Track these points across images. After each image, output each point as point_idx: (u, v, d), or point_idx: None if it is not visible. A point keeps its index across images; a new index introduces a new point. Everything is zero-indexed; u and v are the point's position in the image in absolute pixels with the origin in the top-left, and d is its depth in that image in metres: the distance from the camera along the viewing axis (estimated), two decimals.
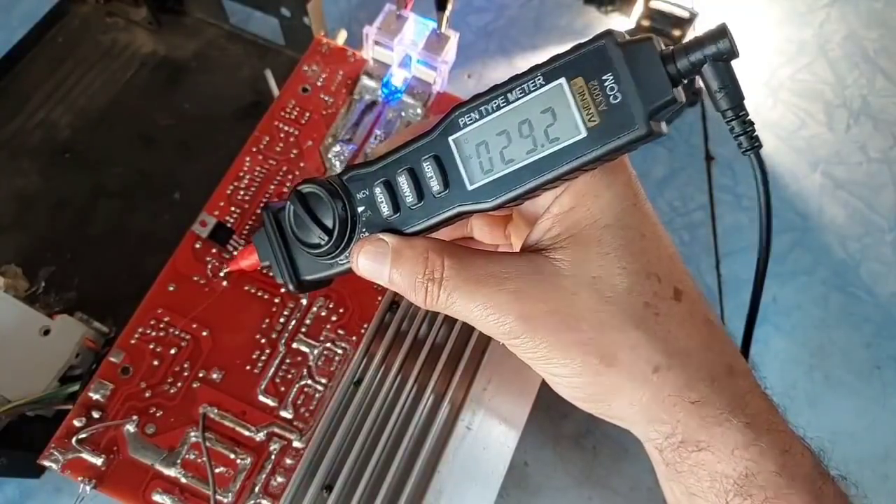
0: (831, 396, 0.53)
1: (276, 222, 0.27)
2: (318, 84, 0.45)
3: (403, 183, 0.23)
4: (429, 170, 0.23)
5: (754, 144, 0.21)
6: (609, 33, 0.20)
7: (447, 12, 0.43)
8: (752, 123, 0.21)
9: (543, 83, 0.21)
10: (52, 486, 0.45)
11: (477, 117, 0.22)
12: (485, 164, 0.22)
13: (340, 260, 0.25)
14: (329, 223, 0.24)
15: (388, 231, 0.24)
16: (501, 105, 0.21)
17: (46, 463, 0.34)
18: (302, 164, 0.42)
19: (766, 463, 0.21)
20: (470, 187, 0.22)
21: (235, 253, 0.39)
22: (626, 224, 0.22)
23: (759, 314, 0.26)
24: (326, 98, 0.44)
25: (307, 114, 0.44)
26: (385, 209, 0.24)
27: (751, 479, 0.21)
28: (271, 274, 0.27)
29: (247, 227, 0.40)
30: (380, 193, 0.24)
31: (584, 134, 0.20)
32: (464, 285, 0.22)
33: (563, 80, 0.20)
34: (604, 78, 0.20)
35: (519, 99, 0.21)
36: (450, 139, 0.22)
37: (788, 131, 0.63)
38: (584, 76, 0.20)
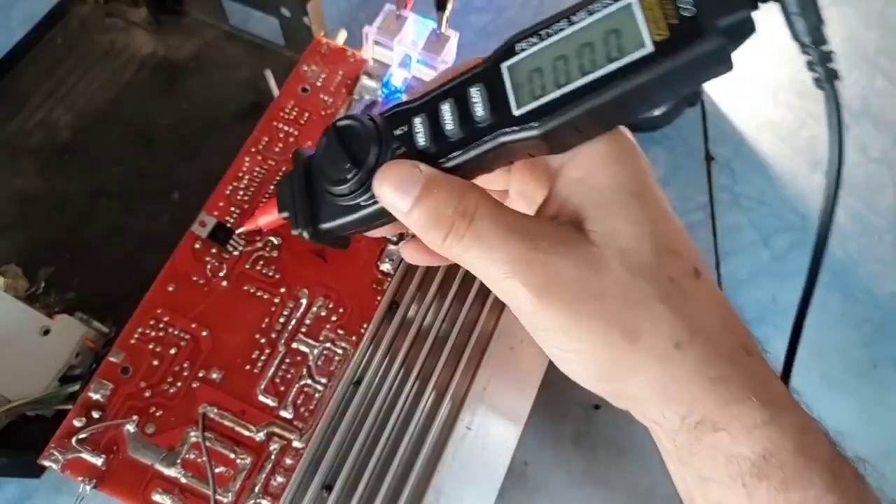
0: (829, 396, 0.53)
1: (304, 167, 0.25)
2: (318, 84, 0.45)
3: (446, 111, 0.21)
4: (475, 96, 0.21)
5: (831, 77, 0.20)
6: None
7: (447, 12, 0.43)
8: (830, 52, 0.20)
9: (611, 2, 0.19)
10: (52, 485, 0.45)
11: (535, 41, 0.20)
12: (536, 89, 0.20)
13: (363, 199, 0.23)
14: (360, 157, 0.22)
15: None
16: (562, 28, 0.20)
17: (46, 463, 0.34)
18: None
19: (785, 442, 0.20)
20: (517, 112, 0.20)
21: (236, 252, 0.39)
22: (652, 196, 0.21)
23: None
24: (326, 98, 0.45)
25: (307, 114, 0.44)
26: (421, 139, 0.22)
27: (769, 460, 0.20)
28: (292, 228, 0.25)
29: None
30: (419, 123, 0.22)
31: (650, 48, 0.18)
32: (497, 232, 0.20)
33: None
34: None
35: (583, 20, 0.19)
36: (502, 66, 0.21)
37: (788, 131, 0.63)
38: None
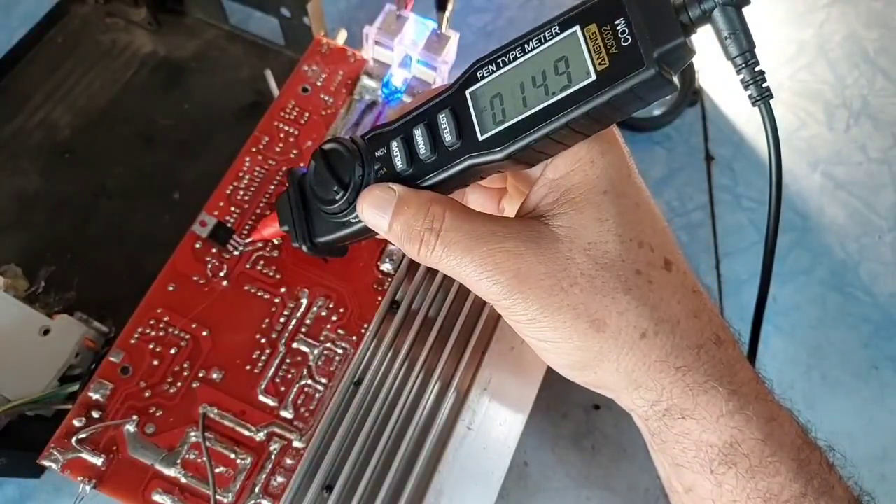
0: (829, 396, 0.53)
1: (298, 185, 0.27)
2: (318, 84, 0.45)
3: (419, 136, 0.23)
4: (444, 121, 0.23)
5: (764, 94, 0.21)
6: None
7: (447, 12, 0.43)
8: (762, 73, 0.21)
9: (559, 32, 0.21)
10: (52, 486, 0.45)
11: (494, 69, 0.22)
12: (497, 115, 0.22)
13: (353, 218, 0.25)
14: (346, 179, 0.25)
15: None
16: (518, 56, 0.21)
17: (46, 463, 0.34)
18: (302, 165, 0.42)
19: (752, 431, 0.21)
20: (481, 137, 0.22)
21: (236, 252, 0.39)
22: (622, 192, 0.22)
23: None
24: (326, 98, 0.45)
25: (307, 114, 0.44)
26: (399, 162, 0.24)
27: (735, 448, 0.21)
28: (293, 241, 0.27)
29: (247, 226, 0.40)
30: (396, 147, 0.24)
31: (593, 77, 0.20)
32: (463, 240, 0.22)
33: (577, 28, 0.20)
34: (616, 23, 0.20)
35: (535, 49, 0.21)
36: (467, 92, 0.22)
37: (788, 131, 0.63)
38: (598, 22, 0.20)
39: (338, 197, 0.25)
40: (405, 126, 0.24)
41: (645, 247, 0.22)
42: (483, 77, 0.22)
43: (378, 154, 0.24)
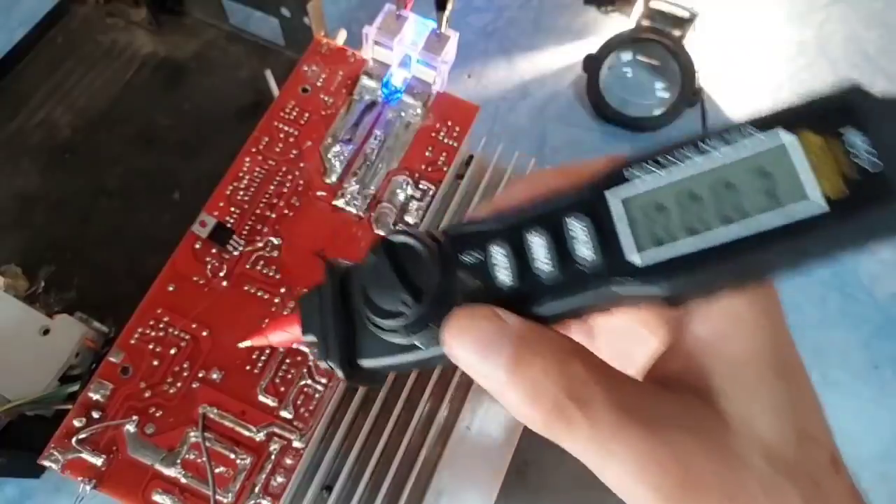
0: (829, 396, 0.53)
1: (340, 283, 0.20)
2: (318, 84, 0.45)
3: (537, 244, 0.17)
4: (577, 230, 0.17)
5: None
6: (856, 87, 0.15)
7: (447, 12, 0.43)
8: None
9: (757, 134, 0.15)
10: (52, 485, 0.45)
11: (653, 169, 0.16)
12: (659, 233, 0.16)
13: (421, 340, 0.18)
14: (420, 287, 0.18)
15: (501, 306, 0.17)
16: (691, 157, 0.16)
17: (46, 463, 0.34)
18: (302, 165, 0.42)
19: None
20: (636, 260, 0.16)
21: (236, 253, 0.39)
22: (791, 369, 0.18)
23: None
24: (326, 98, 0.44)
25: (307, 114, 0.44)
26: (505, 277, 0.17)
27: None
28: (315, 355, 0.21)
29: (246, 226, 0.40)
30: (500, 255, 0.17)
31: (821, 206, 0.14)
32: (615, 422, 0.16)
33: (787, 133, 0.15)
34: (851, 136, 0.15)
35: (719, 152, 0.16)
36: (610, 195, 0.16)
37: None
38: (819, 130, 0.15)
39: (406, 311, 0.18)
40: (512, 227, 0.18)
41: (814, 442, 0.17)
42: (637, 177, 0.16)
43: (467, 259, 0.18)
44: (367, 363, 0.20)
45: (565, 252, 0.17)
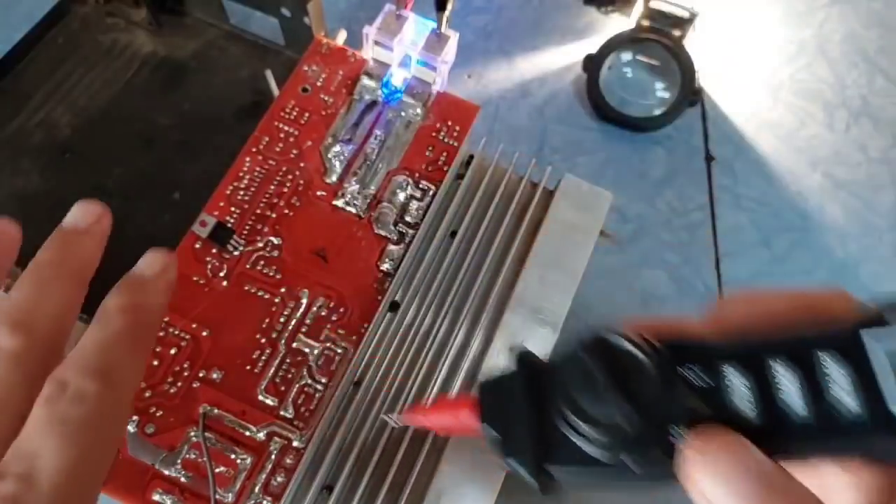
0: None
1: (530, 375, 0.18)
2: (318, 84, 0.45)
3: (786, 380, 0.15)
4: (834, 373, 0.15)
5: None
6: None
7: (447, 12, 0.43)
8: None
9: None
10: None
11: None
12: None
13: (635, 459, 0.16)
14: (643, 402, 0.16)
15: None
16: None
17: None
18: (302, 165, 0.42)
19: None
20: None
21: (236, 253, 0.39)
22: None
23: None
24: (326, 98, 0.45)
25: (307, 114, 0.44)
26: (746, 407, 0.15)
27: None
28: (492, 451, 0.19)
29: (247, 226, 0.40)
30: (740, 383, 0.15)
31: None
32: None
33: None
34: None
35: None
36: (869, 339, 0.15)
37: (788, 131, 0.63)
38: None
39: (626, 426, 0.16)
40: (750, 353, 0.16)
41: None
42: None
43: (693, 378, 0.16)
44: (557, 470, 0.18)
45: (818, 393, 0.15)
